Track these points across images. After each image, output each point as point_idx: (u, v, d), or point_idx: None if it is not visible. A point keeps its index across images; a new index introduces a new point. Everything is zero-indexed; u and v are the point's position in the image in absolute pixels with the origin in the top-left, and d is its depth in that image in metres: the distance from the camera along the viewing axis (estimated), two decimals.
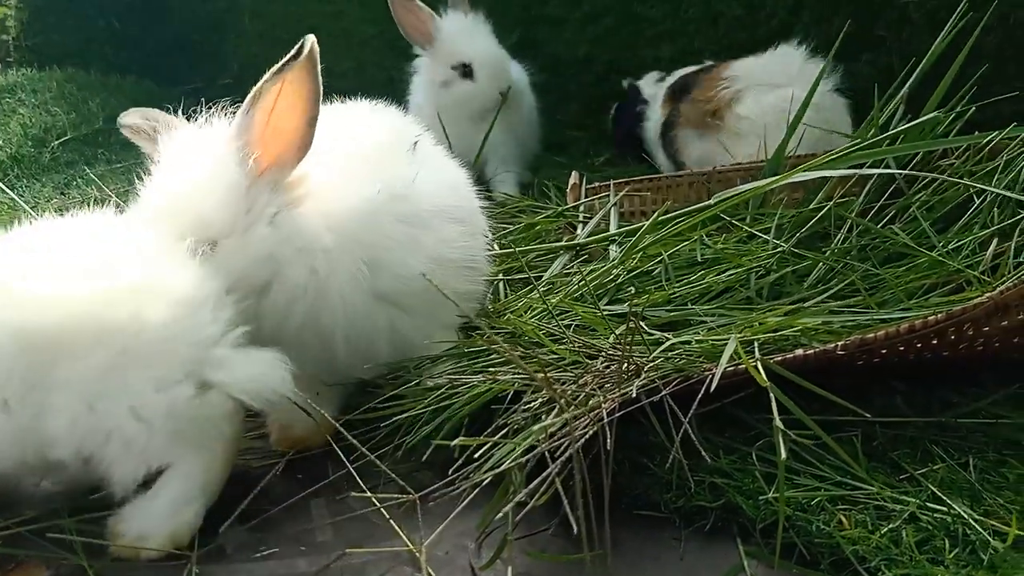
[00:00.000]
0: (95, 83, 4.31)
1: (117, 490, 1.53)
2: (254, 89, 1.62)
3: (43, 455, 1.50)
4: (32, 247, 1.58)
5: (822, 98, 2.71)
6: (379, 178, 1.81)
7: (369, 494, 1.46)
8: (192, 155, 1.70)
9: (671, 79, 3.44)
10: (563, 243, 2.30)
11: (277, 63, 1.63)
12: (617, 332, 1.68)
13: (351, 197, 1.77)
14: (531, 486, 1.35)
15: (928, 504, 1.45)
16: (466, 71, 3.24)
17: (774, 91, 2.91)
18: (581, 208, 2.52)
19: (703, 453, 1.51)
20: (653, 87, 3.55)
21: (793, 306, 1.89)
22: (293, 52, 1.60)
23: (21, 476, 1.60)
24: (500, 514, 1.33)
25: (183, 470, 1.55)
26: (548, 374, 1.48)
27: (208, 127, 1.73)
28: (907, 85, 2.34)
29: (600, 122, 3.91)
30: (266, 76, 1.61)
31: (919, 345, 1.67)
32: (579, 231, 2.38)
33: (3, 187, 3.23)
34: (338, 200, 1.76)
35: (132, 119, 1.90)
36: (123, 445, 1.49)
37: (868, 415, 1.57)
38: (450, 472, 1.46)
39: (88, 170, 3.61)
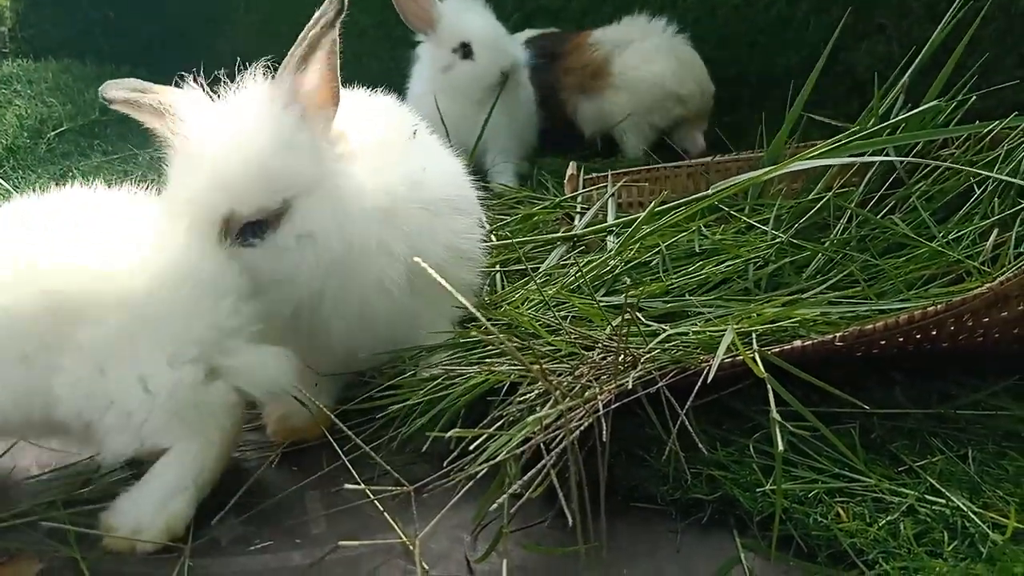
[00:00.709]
0: (90, 74, 4.29)
1: (107, 461, 1.53)
2: (305, 43, 1.60)
3: (48, 415, 1.51)
4: (66, 212, 1.60)
5: (674, 41, 3.48)
6: (393, 164, 1.80)
7: (363, 486, 1.44)
8: (247, 118, 1.63)
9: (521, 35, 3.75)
10: (560, 234, 2.29)
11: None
12: (613, 323, 1.66)
13: (382, 176, 1.77)
14: (525, 477, 1.34)
15: (927, 496, 1.44)
16: (466, 51, 3.21)
17: (631, 45, 3.49)
18: (579, 199, 2.50)
19: (700, 445, 1.50)
20: None
21: (791, 297, 1.88)
22: (337, 4, 1.59)
23: (23, 433, 1.63)
24: (495, 506, 1.32)
25: (178, 456, 1.55)
26: (544, 365, 1.47)
27: (247, 89, 1.66)
28: (907, 74, 2.32)
29: None
30: (316, 28, 1.60)
31: (918, 336, 1.65)
32: (576, 222, 2.36)
33: None
34: (375, 174, 1.76)
35: (118, 93, 1.76)
36: (124, 415, 1.50)
37: (866, 407, 1.55)
38: (445, 464, 1.45)
39: (84, 161, 3.61)
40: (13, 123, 3.69)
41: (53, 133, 3.74)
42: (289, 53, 1.62)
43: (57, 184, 1.68)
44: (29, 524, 1.55)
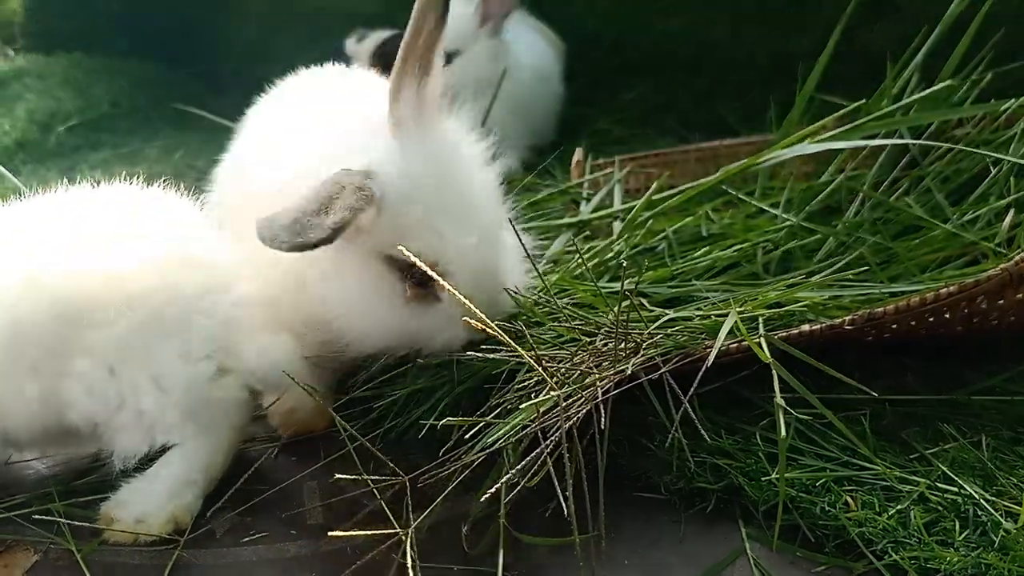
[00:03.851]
0: (99, 67, 4.26)
1: (117, 462, 1.52)
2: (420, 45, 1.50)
3: (61, 421, 1.50)
4: (67, 215, 1.58)
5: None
6: None
7: (356, 476, 1.41)
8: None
9: (370, 42, 3.63)
10: (564, 220, 2.25)
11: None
12: (615, 309, 1.62)
13: None
14: (521, 465, 1.31)
15: (938, 484, 1.40)
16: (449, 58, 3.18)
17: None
18: (585, 184, 2.46)
19: (703, 433, 1.46)
20: (354, 46, 3.67)
21: (800, 281, 1.83)
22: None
23: (42, 445, 1.62)
24: (486, 495, 1.28)
25: (187, 451, 1.54)
26: (540, 352, 1.44)
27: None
28: (921, 52, 2.26)
29: (609, 95, 3.83)
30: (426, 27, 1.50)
31: (931, 319, 1.61)
32: (582, 208, 2.32)
33: (7, 173, 3.22)
34: None
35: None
36: (136, 414, 1.49)
37: (875, 393, 1.51)
38: (441, 453, 1.42)
39: (93, 155, 3.60)
40: (23, 117, 3.69)
41: (62, 127, 3.72)
42: (400, 64, 1.52)
43: (66, 178, 1.66)
44: (24, 516, 1.54)
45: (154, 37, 4.62)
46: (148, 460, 1.55)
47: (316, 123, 1.69)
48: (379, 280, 1.56)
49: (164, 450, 1.54)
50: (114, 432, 1.51)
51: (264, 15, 4.65)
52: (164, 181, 1.67)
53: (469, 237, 1.53)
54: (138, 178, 1.66)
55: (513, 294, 1.64)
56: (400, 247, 1.47)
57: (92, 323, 1.46)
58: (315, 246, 1.38)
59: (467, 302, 1.37)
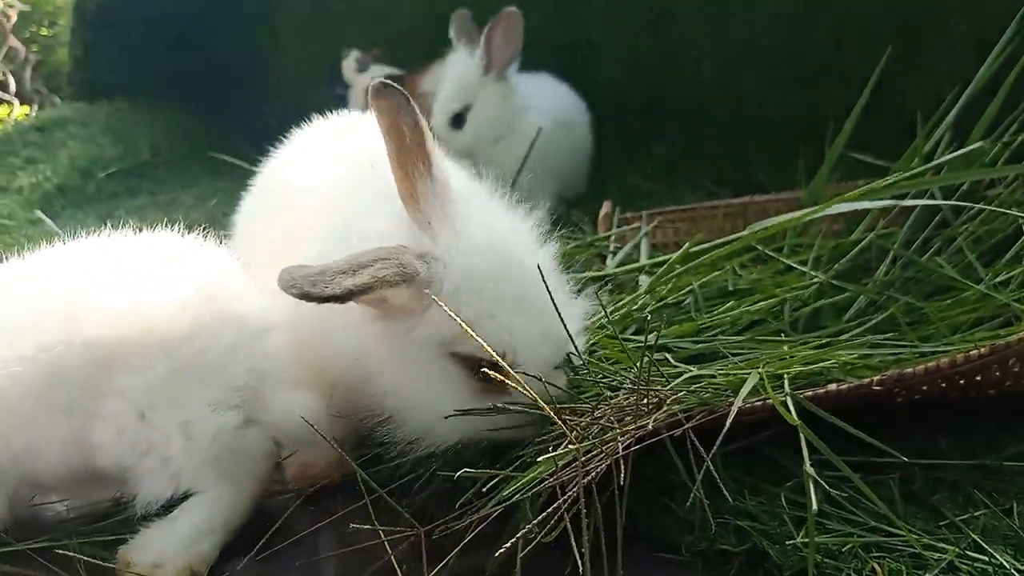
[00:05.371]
0: (141, 116, 4.39)
1: (139, 507, 1.52)
2: None
3: (90, 463, 1.51)
4: (103, 258, 1.60)
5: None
6: None
7: (370, 527, 1.40)
8: None
9: (370, 75, 3.68)
10: (589, 273, 2.24)
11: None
12: (639, 364, 1.60)
13: None
14: (538, 519, 1.28)
15: (968, 553, 1.35)
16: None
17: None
18: (611, 238, 2.46)
19: (725, 493, 1.43)
20: (352, 74, 3.75)
21: (828, 339, 1.80)
22: None
23: (67, 487, 1.62)
24: (502, 551, 1.26)
25: (210, 499, 1.54)
26: (559, 405, 1.42)
27: None
28: (952, 112, 2.25)
29: (639, 149, 3.84)
30: None
31: (962, 382, 1.57)
32: (608, 261, 2.31)
33: (45, 218, 3.30)
34: None
35: None
36: (162, 460, 1.49)
37: (904, 458, 1.47)
38: (458, 506, 1.40)
39: (131, 201, 3.69)
40: (65, 163, 3.80)
41: (103, 174, 3.83)
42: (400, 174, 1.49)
43: (103, 224, 1.69)
44: (40, 551, 1.53)
45: (195, 87, 4.74)
46: (169, 505, 1.55)
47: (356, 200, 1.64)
48: (446, 373, 1.49)
49: (186, 496, 1.54)
50: (139, 476, 1.51)
51: (300, 65, 4.77)
52: (201, 228, 1.69)
53: (537, 326, 1.49)
54: (176, 225, 1.68)
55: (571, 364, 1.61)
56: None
57: (126, 367, 1.48)
58: (323, 300, 1.33)
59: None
